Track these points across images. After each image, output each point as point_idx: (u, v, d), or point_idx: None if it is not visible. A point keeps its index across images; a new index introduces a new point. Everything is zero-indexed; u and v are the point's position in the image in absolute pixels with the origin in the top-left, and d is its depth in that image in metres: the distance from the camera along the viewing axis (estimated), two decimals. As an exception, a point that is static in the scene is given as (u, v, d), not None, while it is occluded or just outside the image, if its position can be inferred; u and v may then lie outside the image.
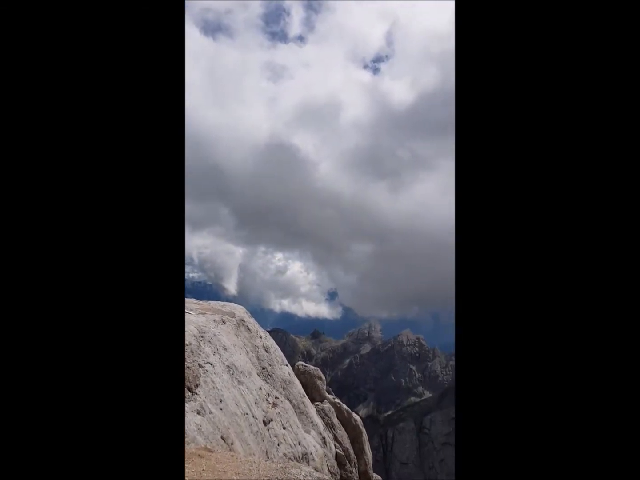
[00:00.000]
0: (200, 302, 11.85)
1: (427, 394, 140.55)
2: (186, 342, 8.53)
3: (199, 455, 5.88)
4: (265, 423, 8.87)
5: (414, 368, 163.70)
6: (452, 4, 4.82)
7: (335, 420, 12.71)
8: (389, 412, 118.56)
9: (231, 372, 8.94)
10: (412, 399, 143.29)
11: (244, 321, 11.20)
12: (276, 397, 9.88)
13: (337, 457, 11.77)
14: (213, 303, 12.01)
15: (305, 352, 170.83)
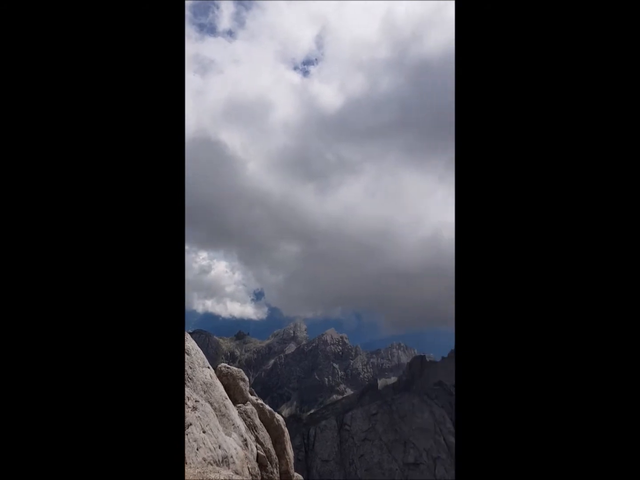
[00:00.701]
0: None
1: (349, 392, 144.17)
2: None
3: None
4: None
5: (336, 366, 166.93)
6: (378, 14, 4.86)
7: (258, 422, 12.62)
8: (312, 411, 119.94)
9: (148, 376, 8.50)
10: (335, 396, 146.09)
11: (164, 323, 10.69)
12: (196, 401, 9.58)
13: (258, 458, 11.70)
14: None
15: (229, 354, 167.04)
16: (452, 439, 64.06)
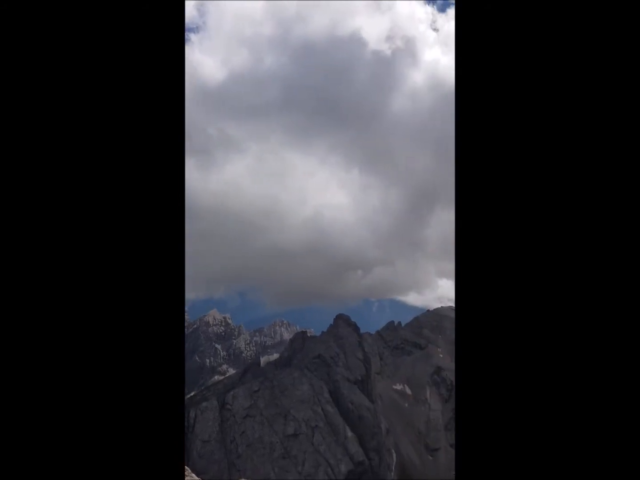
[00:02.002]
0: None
1: (232, 371, 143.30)
2: None
3: None
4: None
5: (219, 347, 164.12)
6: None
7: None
8: (192, 393, 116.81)
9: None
10: (216, 377, 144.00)
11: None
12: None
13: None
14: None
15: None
16: (329, 408, 67.82)
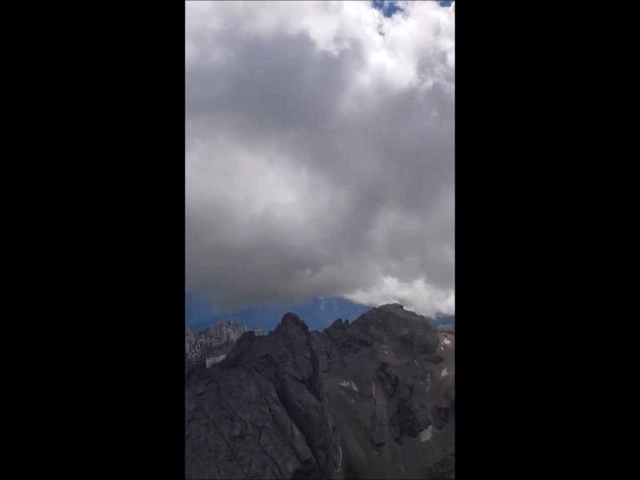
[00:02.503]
0: None
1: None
2: None
3: None
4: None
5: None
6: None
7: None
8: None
9: None
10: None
11: None
12: None
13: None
14: None
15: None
16: (277, 408, 67.52)
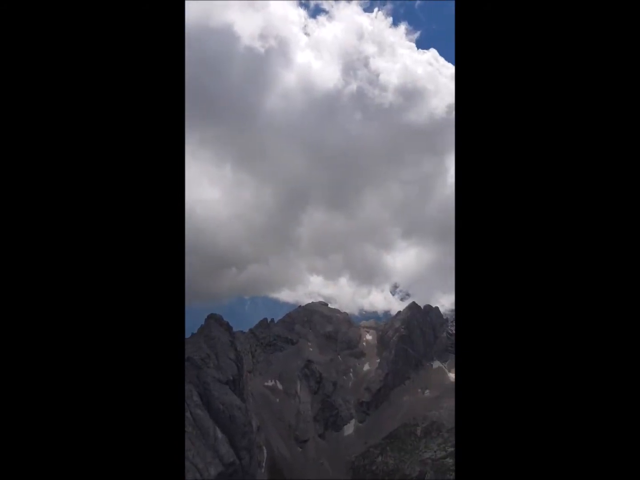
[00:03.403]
0: None
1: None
2: None
3: None
4: None
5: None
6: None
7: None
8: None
9: None
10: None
11: None
12: None
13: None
14: None
15: None
16: (199, 411, 65.43)
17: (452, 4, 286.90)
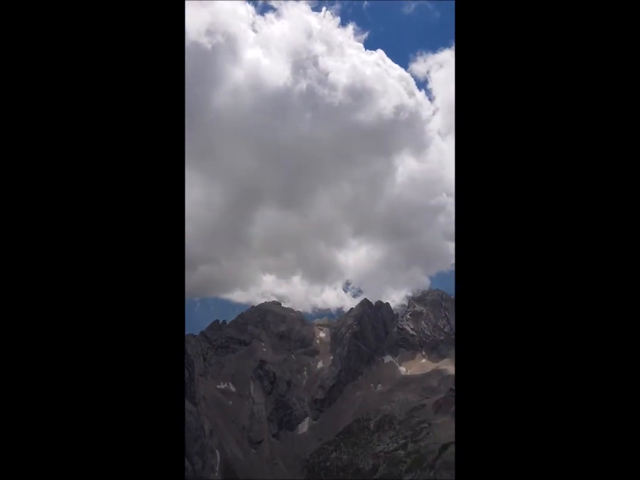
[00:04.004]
0: None
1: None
2: None
3: None
4: None
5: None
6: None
7: None
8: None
9: None
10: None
11: None
12: None
13: None
14: None
15: None
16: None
17: (399, 6, 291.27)
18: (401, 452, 71.36)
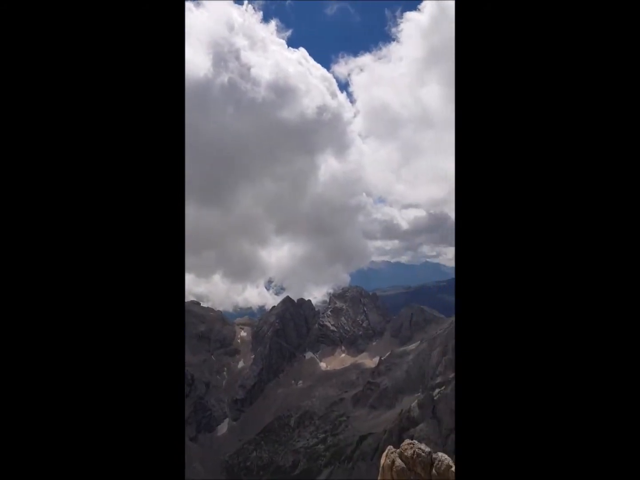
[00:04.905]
0: None
1: None
2: None
3: None
4: None
5: None
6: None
7: None
8: None
9: None
10: None
11: None
12: None
13: None
14: None
15: None
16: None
17: (321, 6, 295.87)
18: (321, 447, 72.89)
